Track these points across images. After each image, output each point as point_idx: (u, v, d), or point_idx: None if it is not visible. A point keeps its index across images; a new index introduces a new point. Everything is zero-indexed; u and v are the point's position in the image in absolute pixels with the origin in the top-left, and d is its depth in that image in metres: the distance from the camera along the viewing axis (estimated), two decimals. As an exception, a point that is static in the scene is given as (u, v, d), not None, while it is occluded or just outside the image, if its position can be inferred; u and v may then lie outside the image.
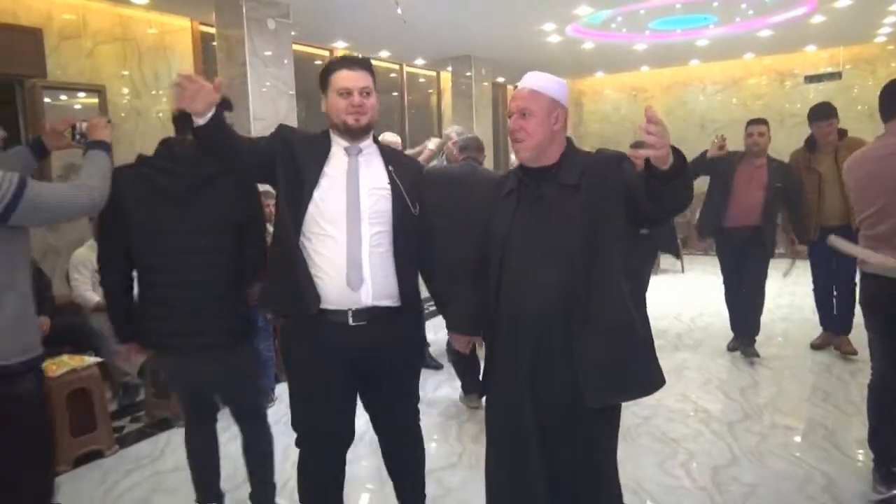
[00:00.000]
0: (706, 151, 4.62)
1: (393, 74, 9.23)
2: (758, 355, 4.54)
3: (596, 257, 1.79)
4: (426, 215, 2.22)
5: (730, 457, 3.17)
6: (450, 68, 9.00)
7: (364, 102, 2.06)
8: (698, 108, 10.59)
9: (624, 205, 1.78)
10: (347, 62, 2.08)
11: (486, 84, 8.93)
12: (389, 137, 4.88)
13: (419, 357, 2.48)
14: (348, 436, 2.20)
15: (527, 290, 1.85)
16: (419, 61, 9.14)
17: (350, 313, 2.03)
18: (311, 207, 2.01)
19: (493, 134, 9.46)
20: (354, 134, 2.08)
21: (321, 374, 2.09)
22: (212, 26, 5.90)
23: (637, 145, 4.64)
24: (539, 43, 7.74)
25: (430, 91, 10.14)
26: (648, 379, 1.89)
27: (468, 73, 8.61)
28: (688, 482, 2.96)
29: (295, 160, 2.03)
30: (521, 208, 1.91)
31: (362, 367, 2.13)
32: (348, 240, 2.02)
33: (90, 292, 4.14)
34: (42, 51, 5.09)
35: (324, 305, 2.02)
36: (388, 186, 2.11)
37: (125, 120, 5.76)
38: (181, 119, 2.34)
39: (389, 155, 2.20)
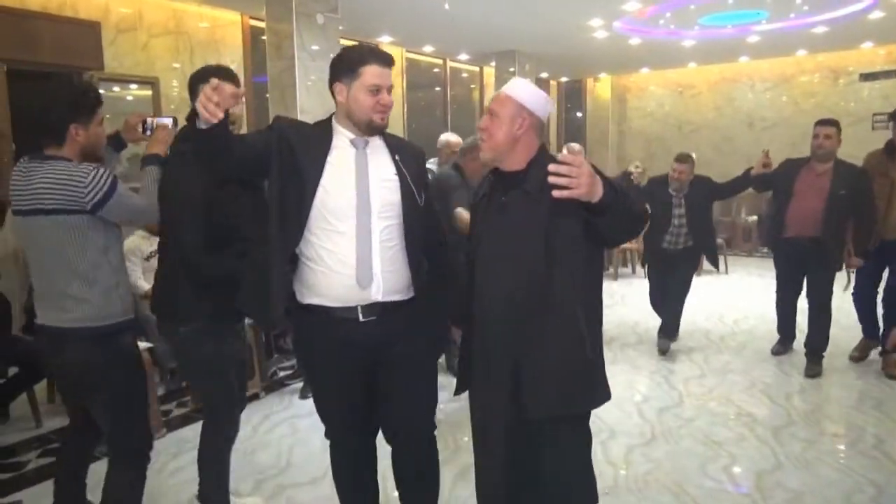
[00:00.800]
0: (750, 169, 4.42)
1: (436, 69, 9.25)
2: (821, 374, 4.33)
3: (552, 268, 1.79)
4: (430, 203, 2.18)
5: (774, 462, 3.12)
6: (493, 63, 8.99)
7: (390, 101, 2.01)
8: (746, 105, 10.36)
9: (583, 219, 1.76)
10: (379, 58, 1.96)
11: (528, 80, 8.89)
12: (452, 139, 4.89)
13: (434, 351, 2.33)
14: (370, 426, 2.20)
15: (487, 295, 1.89)
16: (463, 56, 9.14)
17: (360, 309, 1.98)
18: (317, 202, 1.94)
19: (535, 129, 9.40)
20: (375, 131, 2.02)
21: (334, 371, 2.06)
22: (262, 20, 6.01)
23: (681, 159, 4.56)
24: (585, 38, 7.67)
25: (473, 86, 10.14)
26: (591, 396, 1.92)
27: (512, 69, 8.58)
28: (730, 486, 2.92)
29: (293, 153, 1.93)
30: (489, 213, 1.93)
31: (375, 362, 2.08)
32: (357, 235, 1.96)
33: (141, 280, 4.25)
34: (100, 44, 5.27)
35: (332, 303, 1.98)
36: (396, 177, 2.03)
37: (175, 112, 5.91)
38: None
39: (394, 143, 2.12)
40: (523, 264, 1.81)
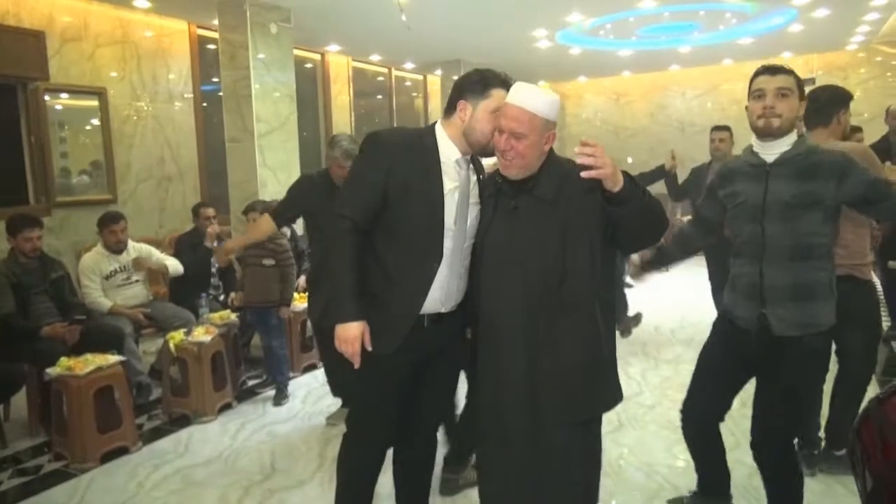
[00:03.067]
0: (662, 166, 4.83)
1: (381, 78, 9.34)
2: None
3: (567, 276, 1.79)
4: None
5: (733, 441, 3.35)
6: (438, 72, 9.15)
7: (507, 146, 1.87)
8: (677, 112, 10.89)
9: (604, 223, 1.78)
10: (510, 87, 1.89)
11: (474, 88, 9.07)
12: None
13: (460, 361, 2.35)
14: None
15: (495, 300, 1.89)
16: (408, 65, 9.26)
17: (426, 317, 2.01)
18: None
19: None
20: (485, 155, 2.01)
21: (392, 377, 2.06)
22: (209, 30, 5.97)
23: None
24: (529, 48, 7.93)
25: (416, 94, 10.27)
26: (604, 398, 1.93)
27: (455, 77, 8.74)
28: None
29: (406, 184, 1.92)
30: (497, 218, 1.91)
31: (421, 368, 2.12)
32: (451, 257, 1.97)
33: (102, 298, 4.18)
34: (45, 53, 5.12)
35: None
36: (479, 198, 2.04)
37: (124, 122, 5.79)
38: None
39: (477, 164, 2.12)
40: (538, 268, 1.80)
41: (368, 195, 1.94)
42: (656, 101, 11.06)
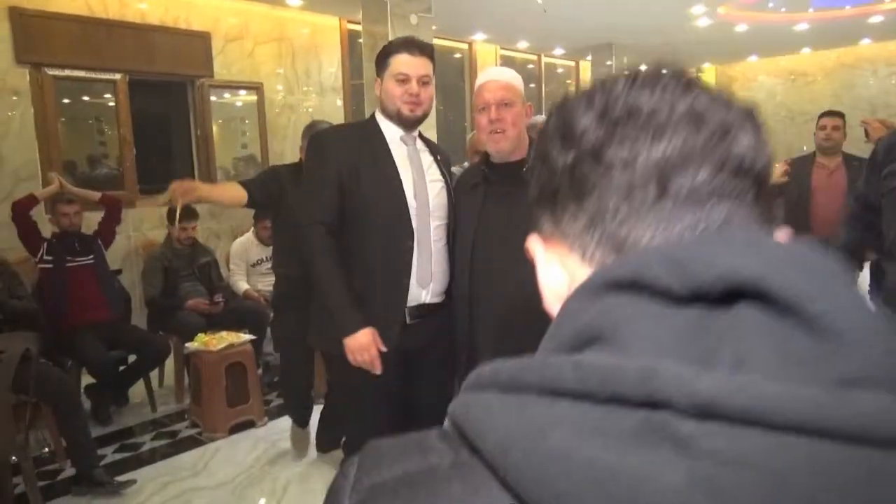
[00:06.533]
0: None
1: (531, 66, 9.17)
2: None
3: None
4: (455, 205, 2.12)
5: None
6: (589, 57, 8.79)
7: (421, 92, 1.92)
8: (867, 92, 9.58)
9: None
10: (409, 46, 1.91)
11: (626, 73, 8.61)
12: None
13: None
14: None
15: (493, 287, 1.85)
16: (558, 51, 9.01)
17: (407, 311, 1.94)
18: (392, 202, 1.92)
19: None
20: (407, 124, 1.96)
21: (376, 380, 1.92)
22: (358, 24, 6.18)
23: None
24: (687, 27, 7.36)
25: (568, 81, 9.97)
26: None
27: (609, 62, 8.36)
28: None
29: (357, 171, 1.91)
30: (488, 205, 1.88)
31: (408, 367, 2.01)
32: (418, 235, 1.91)
33: (242, 281, 4.50)
34: (210, 52, 5.58)
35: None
36: (442, 178, 2.02)
37: (279, 115, 6.18)
38: None
39: (431, 145, 2.11)
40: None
41: (327, 193, 1.92)
42: (842, 81, 9.81)
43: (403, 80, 1.91)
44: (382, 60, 1.95)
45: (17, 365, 2.55)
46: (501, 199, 1.86)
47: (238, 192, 2.85)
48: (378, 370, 1.87)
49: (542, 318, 1.67)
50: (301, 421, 3.22)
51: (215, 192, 3.05)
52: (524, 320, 1.75)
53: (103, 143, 5.57)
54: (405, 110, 1.93)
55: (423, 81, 1.93)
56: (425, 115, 1.99)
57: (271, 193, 2.91)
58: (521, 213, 1.77)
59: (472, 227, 1.90)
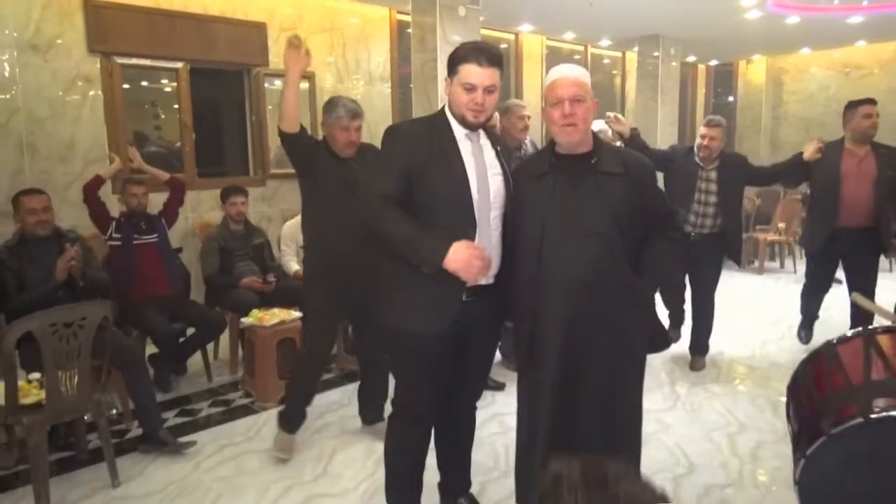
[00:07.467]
0: (801, 154, 4.16)
1: (577, 56, 9.18)
2: None
3: (626, 238, 2.00)
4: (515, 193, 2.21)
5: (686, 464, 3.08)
6: (636, 48, 8.77)
7: (485, 101, 2.03)
8: (927, 86, 9.32)
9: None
10: (477, 56, 2.00)
11: (674, 64, 8.58)
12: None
13: (499, 336, 2.46)
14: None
15: (562, 271, 1.99)
16: (604, 42, 9.00)
17: (465, 291, 2.07)
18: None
19: (679, 115, 9.08)
20: (471, 128, 2.10)
21: (433, 353, 2.13)
22: (408, 14, 6.33)
23: (711, 123, 4.02)
24: (736, 20, 7.29)
25: (615, 72, 9.94)
26: (654, 340, 2.19)
27: (656, 53, 8.32)
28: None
29: (427, 166, 2.04)
30: (558, 192, 2.02)
31: (460, 341, 2.17)
32: (479, 224, 2.05)
33: (292, 262, 4.72)
34: (266, 42, 5.83)
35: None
36: (501, 169, 2.15)
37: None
38: None
39: (493, 136, 2.22)
40: (601, 237, 1.97)
41: (395, 177, 2.05)
42: (899, 75, 9.54)
43: (470, 89, 2.01)
44: (452, 66, 2.06)
45: (95, 331, 2.80)
46: (570, 188, 2.01)
47: (298, 117, 2.91)
48: (488, 269, 2.02)
49: (607, 298, 1.98)
50: (292, 427, 3.20)
51: (293, 91, 2.97)
52: (590, 301, 1.98)
53: (158, 126, 5.87)
54: (469, 117, 2.05)
55: (488, 91, 2.03)
56: (488, 120, 2.13)
57: (308, 147, 2.98)
58: (591, 201, 1.99)
59: (541, 215, 2.02)
